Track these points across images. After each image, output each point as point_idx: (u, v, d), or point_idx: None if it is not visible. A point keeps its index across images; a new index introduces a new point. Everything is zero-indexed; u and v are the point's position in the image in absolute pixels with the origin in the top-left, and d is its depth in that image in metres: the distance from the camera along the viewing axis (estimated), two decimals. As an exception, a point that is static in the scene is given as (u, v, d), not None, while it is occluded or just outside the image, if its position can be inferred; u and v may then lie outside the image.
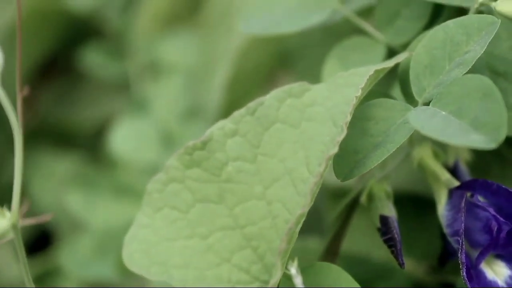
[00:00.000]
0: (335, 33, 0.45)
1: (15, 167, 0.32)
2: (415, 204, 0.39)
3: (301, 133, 0.31)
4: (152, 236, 0.32)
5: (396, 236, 0.31)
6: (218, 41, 0.51)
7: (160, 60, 0.61)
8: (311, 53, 0.46)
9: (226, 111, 0.48)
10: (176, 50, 0.57)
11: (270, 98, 0.32)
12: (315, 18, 0.36)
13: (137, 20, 0.63)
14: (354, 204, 0.34)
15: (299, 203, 0.30)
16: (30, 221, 0.59)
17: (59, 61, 0.68)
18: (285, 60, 0.48)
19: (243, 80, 0.47)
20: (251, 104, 0.32)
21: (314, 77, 0.46)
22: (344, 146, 0.29)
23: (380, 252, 0.43)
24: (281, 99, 0.31)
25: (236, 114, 0.32)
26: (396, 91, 0.33)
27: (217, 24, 0.51)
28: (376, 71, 0.30)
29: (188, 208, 0.32)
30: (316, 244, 0.40)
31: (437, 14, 0.34)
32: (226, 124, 0.32)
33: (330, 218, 0.44)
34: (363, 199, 0.33)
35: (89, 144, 0.67)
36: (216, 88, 0.50)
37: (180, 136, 0.46)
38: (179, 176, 0.32)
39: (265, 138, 0.31)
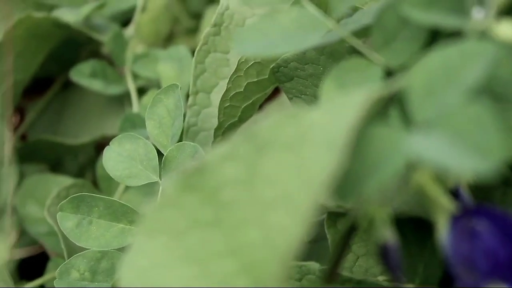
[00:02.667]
0: (329, 50, 0.44)
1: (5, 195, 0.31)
2: (414, 227, 0.39)
3: (299, 157, 0.30)
4: (147, 262, 0.31)
5: (396, 264, 0.30)
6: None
7: (155, 78, 0.61)
8: (303, 71, 0.46)
9: (224, 132, 0.48)
10: (172, 68, 0.57)
11: (268, 121, 0.31)
12: (311, 39, 0.35)
13: (132, 38, 0.63)
14: (353, 228, 0.34)
15: (297, 229, 0.30)
16: (22, 252, 0.58)
17: (52, 79, 0.68)
18: (277, 77, 0.47)
19: (240, 99, 0.47)
20: (248, 128, 0.31)
21: (308, 96, 0.46)
22: (343, 170, 0.29)
23: (380, 275, 0.42)
24: (279, 123, 0.31)
25: (233, 138, 0.31)
26: (393, 112, 0.33)
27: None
28: (375, 96, 0.30)
29: (183, 234, 0.31)
30: (316, 268, 0.40)
31: (435, 35, 0.34)
32: (222, 148, 0.31)
33: (329, 242, 0.43)
34: (363, 223, 0.32)
35: (83, 165, 0.67)
36: (213, 107, 0.50)
37: (174, 157, 0.46)
38: (174, 201, 0.32)
39: (262, 163, 0.31)
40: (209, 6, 0.68)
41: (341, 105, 0.30)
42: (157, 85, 0.61)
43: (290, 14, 0.37)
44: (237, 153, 0.31)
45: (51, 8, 0.65)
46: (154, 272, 0.31)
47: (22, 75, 0.63)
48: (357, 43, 0.36)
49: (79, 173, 0.66)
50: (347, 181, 0.29)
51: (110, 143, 0.48)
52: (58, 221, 0.46)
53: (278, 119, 0.31)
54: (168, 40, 0.70)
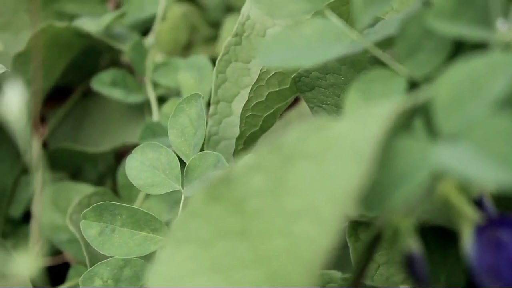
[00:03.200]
0: (350, 60, 0.45)
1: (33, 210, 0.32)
2: (436, 235, 0.39)
3: (325, 168, 0.31)
4: (175, 271, 0.32)
5: (421, 274, 0.30)
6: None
7: (174, 87, 0.61)
8: (324, 81, 0.46)
9: (246, 141, 0.49)
10: (192, 77, 0.57)
11: (294, 133, 0.31)
12: (335, 50, 0.36)
13: (152, 47, 0.63)
14: (377, 238, 0.34)
15: (322, 239, 0.30)
16: (47, 262, 0.58)
17: (72, 87, 0.69)
18: (299, 87, 0.47)
19: (261, 108, 0.47)
20: (275, 139, 0.32)
21: (329, 105, 0.47)
22: (370, 181, 0.29)
23: (401, 283, 0.43)
24: (305, 134, 0.31)
25: (259, 148, 0.32)
26: (417, 124, 0.33)
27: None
28: (401, 108, 0.30)
29: (210, 244, 0.32)
30: (338, 277, 0.40)
31: (459, 47, 0.34)
32: (249, 159, 0.32)
33: (350, 250, 0.43)
34: (387, 233, 0.33)
35: (102, 173, 0.67)
36: (234, 116, 0.50)
37: (197, 166, 0.46)
38: (201, 211, 0.32)
39: (288, 174, 0.31)
40: (227, 15, 0.69)
41: (367, 116, 0.31)
42: (177, 94, 0.62)
43: (313, 25, 0.37)
44: (263, 164, 0.31)
45: (71, 17, 0.66)
46: (182, 281, 0.32)
47: (43, 83, 0.63)
48: (380, 54, 0.36)
49: (99, 181, 0.67)
50: (373, 192, 0.29)
51: (133, 151, 0.49)
52: (81, 229, 0.47)
53: (303, 131, 0.31)
54: (186, 48, 0.71)
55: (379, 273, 0.44)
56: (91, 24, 0.62)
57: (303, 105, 0.58)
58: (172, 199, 0.56)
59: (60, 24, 0.59)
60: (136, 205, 0.57)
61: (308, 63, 0.35)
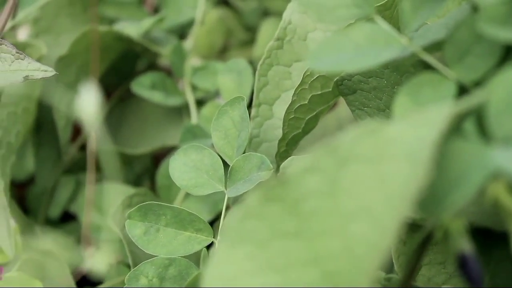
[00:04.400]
0: (393, 64, 0.45)
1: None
2: (480, 236, 0.40)
3: (380, 171, 0.31)
4: (232, 271, 0.33)
5: (476, 275, 0.31)
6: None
7: (213, 90, 0.62)
8: (367, 84, 0.47)
9: (288, 143, 0.49)
10: (232, 81, 0.58)
11: (349, 135, 0.32)
12: (384, 55, 0.36)
13: (191, 49, 0.64)
14: (427, 240, 0.34)
15: (378, 240, 0.31)
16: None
17: (111, 90, 0.70)
18: (341, 90, 0.48)
19: (304, 111, 0.48)
20: (329, 141, 0.32)
21: (371, 108, 0.47)
22: (426, 184, 0.30)
23: (443, 284, 0.43)
24: (360, 137, 0.32)
25: (314, 150, 0.32)
26: (469, 127, 0.33)
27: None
28: (454, 112, 0.31)
29: (266, 244, 0.33)
30: (382, 277, 0.41)
31: (509, 51, 0.35)
32: (304, 160, 0.32)
33: (392, 251, 0.44)
34: (438, 235, 0.33)
35: (139, 174, 0.68)
36: (276, 119, 0.51)
37: (240, 168, 0.47)
38: (257, 212, 0.33)
39: (343, 175, 0.32)
40: (264, 19, 0.69)
41: (421, 120, 0.31)
42: (215, 97, 0.63)
43: (363, 30, 0.38)
44: (318, 166, 0.32)
45: (110, 21, 0.67)
46: (239, 281, 0.32)
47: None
48: (429, 58, 0.37)
49: (136, 182, 0.68)
50: (429, 195, 0.30)
51: (176, 153, 0.50)
52: (126, 228, 0.48)
53: (357, 133, 0.32)
54: (222, 52, 0.72)
55: (421, 274, 0.45)
56: (131, 28, 0.63)
57: (341, 108, 0.59)
58: (211, 200, 0.57)
59: (102, 28, 0.61)
60: (175, 205, 0.58)
61: (358, 68, 0.36)
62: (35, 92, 0.60)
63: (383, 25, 0.38)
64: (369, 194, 0.31)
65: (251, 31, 0.71)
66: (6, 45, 0.48)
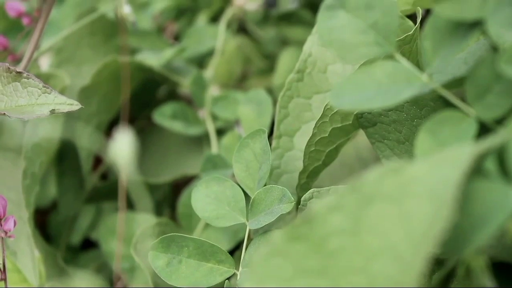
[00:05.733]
0: (413, 98, 0.46)
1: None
2: (505, 272, 0.40)
3: (403, 209, 0.32)
4: (257, 308, 0.33)
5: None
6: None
7: (233, 120, 0.63)
8: (387, 117, 0.47)
9: (308, 175, 0.50)
10: (252, 111, 0.59)
11: (372, 174, 0.33)
12: (406, 93, 0.37)
13: (211, 78, 0.65)
14: (450, 277, 0.35)
15: (402, 278, 0.31)
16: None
17: (131, 119, 0.70)
18: (361, 122, 0.49)
19: (324, 143, 0.49)
20: (353, 180, 0.33)
21: (390, 141, 0.48)
22: (449, 224, 0.30)
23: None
24: (382, 176, 0.33)
25: (338, 189, 0.33)
26: (491, 166, 0.34)
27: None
28: (477, 152, 0.31)
29: (291, 282, 0.33)
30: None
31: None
32: (328, 199, 0.33)
33: None
34: (460, 272, 0.34)
35: (158, 202, 0.69)
36: (296, 150, 0.52)
37: (262, 200, 0.47)
38: (282, 250, 0.33)
39: (367, 214, 0.32)
40: (282, 48, 0.70)
41: (443, 160, 0.32)
42: (234, 126, 0.63)
43: (384, 68, 0.38)
44: (342, 205, 0.33)
45: (131, 51, 0.68)
46: (264, 318, 0.33)
47: (105, 116, 0.65)
48: (449, 95, 0.37)
49: (155, 210, 0.68)
50: (453, 234, 0.31)
51: (198, 184, 0.50)
52: (149, 259, 0.48)
53: (381, 172, 0.33)
54: (241, 80, 0.73)
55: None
56: (153, 58, 0.64)
57: (359, 137, 0.60)
58: (231, 229, 0.58)
59: (123, 59, 0.62)
60: (196, 234, 0.59)
61: (380, 105, 0.37)
62: (58, 123, 0.61)
63: (404, 63, 0.38)
64: (393, 233, 0.32)
65: (270, 59, 0.72)
66: (33, 79, 0.49)
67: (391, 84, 0.38)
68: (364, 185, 0.33)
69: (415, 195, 0.32)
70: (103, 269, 0.66)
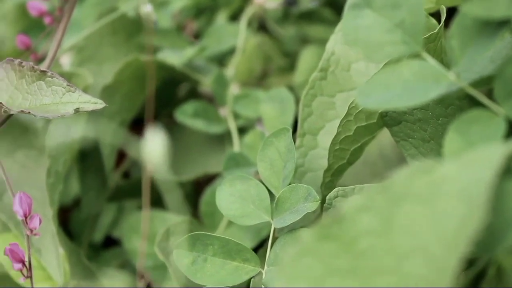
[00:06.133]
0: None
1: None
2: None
3: (434, 210, 0.32)
4: (287, 308, 0.33)
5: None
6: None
7: (254, 118, 0.63)
8: (412, 116, 0.47)
9: (333, 173, 0.50)
10: (274, 109, 0.59)
11: (401, 174, 0.33)
12: (433, 92, 0.37)
13: (231, 77, 0.65)
14: (480, 276, 0.35)
15: (433, 278, 0.31)
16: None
17: (155, 117, 0.71)
18: (385, 121, 0.49)
19: (349, 142, 0.49)
20: (383, 180, 0.33)
21: (415, 140, 0.48)
22: (483, 224, 0.30)
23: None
24: (412, 176, 0.33)
25: (368, 189, 0.33)
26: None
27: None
28: (508, 152, 0.31)
29: (320, 281, 0.33)
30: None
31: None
32: (358, 199, 0.33)
33: None
34: (491, 272, 0.34)
35: (186, 199, 0.69)
36: (320, 149, 0.52)
37: (287, 198, 0.47)
38: (312, 249, 0.33)
39: (397, 214, 0.32)
40: (302, 46, 0.70)
41: (474, 160, 0.32)
42: (256, 124, 0.63)
43: (411, 67, 0.38)
44: (372, 205, 0.33)
45: (152, 50, 0.68)
46: (294, 317, 0.33)
47: (126, 114, 0.66)
48: (477, 94, 0.37)
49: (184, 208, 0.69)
50: (485, 234, 0.31)
51: (222, 183, 0.51)
52: (174, 258, 0.49)
53: (411, 172, 0.33)
54: (261, 78, 0.73)
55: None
56: (174, 57, 0.64)
57: (382, 135, 0.60)
58: (254, 227, 0.58)
59: (145, 58, 0.62)
60: (218, 233, 0.59)
61: (408, 104, 0.37)
62: (81, 121, 0.61)
63: (431, 61, 0.38)
64: (424, 233, 0.32)
65: (290, 57, 0.72)
66: (57, 78, 0.49)
67: (418, 83, 0.38)
68: (394, 185, 0.33)
69: (447, 195, 0.32)
70: (125, 267, 0.66)
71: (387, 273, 0.32)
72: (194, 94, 0.71)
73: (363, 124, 0.48)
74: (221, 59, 0.72)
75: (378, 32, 0.39)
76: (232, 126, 0.63)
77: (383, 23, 0.39)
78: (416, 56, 0.39)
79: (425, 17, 0.39)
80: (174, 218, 0.60)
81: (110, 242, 0.71)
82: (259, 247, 0.57)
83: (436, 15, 0.50)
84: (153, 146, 0.31)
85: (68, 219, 0.70)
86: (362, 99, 0.38)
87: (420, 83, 0.38)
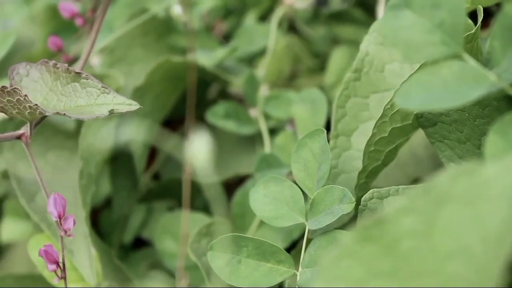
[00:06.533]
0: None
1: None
2: None
3: (477, 211, 0.32)
4: (328, 310, 0.33)
5: None
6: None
7: (285, 119, 0.63)
8: (448, 117, 0.47)
9: (367, 175, 0.50)
10: (305, 110, 0.59)
11: (443, 176, 0.32)
12: (474, 93, 0.37)
13: (261, 78, 0.65)
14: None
15: (477, 281, 0.31)
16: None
17: (182, 118, 0.71)
18: (421, 122, 0.48)
19: (384, 143, 0.48)
20: (425, 182, 0.33)
21: (451, 141, 0.47)
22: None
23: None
24: (454, 178, 0.32)
25: (409, 191, 0.33)
26: None
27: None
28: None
29: (361, 283, 0.33)
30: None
31: None
32: (400, 201, 0.33)
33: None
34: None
35: (209, 201, 0.69)
36: (354, 150, 0.51)
37: (322, 200, 0.47)
38: (352, 252, 0.33)
39: (439, 216, 0.32)
40: (332, 47, 0.70)
41: (518, 161, 0.32)
42: (286, 125, 0.63)
43: (451, 68, 0.38)
44: (414, 206, 0.33)
45: (183, 50, 0.69)
46: (336, 319, 0.33)
47: (157, 115, 0.66)
48: (518, 95, 0.37)
49: (206, 209, 0.69)
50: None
51: (256, 184, 0.50)
52: (208, 259, 0.49)
53: (453, 174, 0.32)
54: (290, 79, 0.73)
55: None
56: (205, 58, 0.64)
57: (414, 135, 0.59)
58: (286, 229, 0.58)
59: (176, 59, 0.62)
60: (250, 234, 0.59)
61: (448, 105, 0.36)
62: (113, 122, 0.61)
63: (472, 62, 0.38)
64: (466, 234, 0.32)
65: (319, 58, 0.72)
66: (91, 80, 0.49)
67: (458, 84, 0.37)
68: (436, 186, 0.32)
69: (490, 197, 0.31)
70: (155, 267, 0.67)
71: (429, 275, 0.32)
72: (223, 95, 0.71)
73: (398, 125, 0.48)
74: (251, 60, 0.72)
75: (417, 33, 0.39)
76: (263, 127, 0.63)
77: (423, 23, 0.39)
78: (455, 57, 0.39)
79: (465, 18, 0.38)
80: (205, 219, 0.60)
81: (139, 243, 0.71)
82: (290, 249, 0.57)
83: (472, 15, 0.49)
84: (198, 148, 0.31)
85: (98, 220, 0.71)
86: (401, 100, 0.38)
87: (460, 84, 0.37)
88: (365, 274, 0.33)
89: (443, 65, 0.38)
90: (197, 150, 0.32)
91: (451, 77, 0.38)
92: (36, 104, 0.49)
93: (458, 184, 0.32)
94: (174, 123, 0.71)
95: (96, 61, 0.70)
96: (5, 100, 0.49)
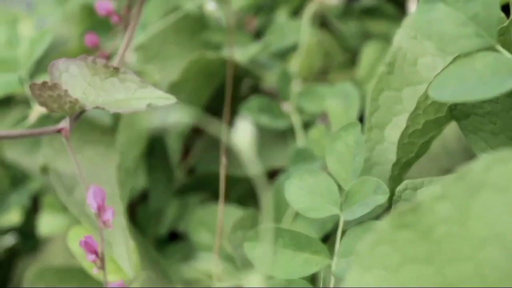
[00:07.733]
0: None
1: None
2: None
3: (510, 198, 0.32)
4: (364, 295, 0.34)
5: None
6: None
7: (318, 113, 0.64)
8: (481, 109, 0.47)
9: (401, 167, 0.50)
10: (339, 104, 0.60)
11: (478, 163, 0.33)
12: (508, 85, 0.37)
13: (294, 73, 0.66)
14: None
15: (509, 267, 0.32)
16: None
17: (216, 113, 0.72)
18: (454, 114, 0.49)
19: (418, 135, 0.49)
20: (460, 169, 0.33)
21: (485, 133, 0.48)
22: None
23: None
24: (489, 165, 0.33)
25: (445, 179, 0.34)
26: None
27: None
28: None
29: (397, 268, 0.34)
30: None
31: None
32: (435, 189, 0.33)
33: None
34: None
35: (242, 194, 0.70)
36: (387, 143, 0.52)
37: (357, 191, 0.48)
38: (388, 238, 0.34)
39: (473, 202, 0.33)
40: (363, 42, 0.71)
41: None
42: (319, 120, 0.64)
43: (485, 59, 0.38)
44: (449, 193, 0.33)
45: (215, 46, 0.70)
46: (372, 304, 0.34)
47: (194, 109, 0.67)
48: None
49: (239, 202, 0.70)
50: None
51: (291, 177, 0.51)
52: (245, 250, 0.50)
53: (488, 162, 0.33)
54: (321, 74, 0.73)
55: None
56: (239, 54, 0.65)
57: (446, 129, 0.60)
58: (320, 220, 0.58)
59: (211, 55, 0.63)
60: (284, 225, 0.60)
61: (482, 97, 0.37)
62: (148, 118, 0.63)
63: (506, 54, 0.39)
64: (500, 221, 0.32)
65: (350, 53, 0.73)
66: (130, 74, 0.51)
67: (492, 76, 0.38)
68: (470, 174, 0.33)
69: (524, 184, 0.32)
70: (188, 260, 0.68)
71: (463, 261, 0.33)
72: (256, 90, 0.72)
73: (432, 118, 0.48)
74: (283, 55, 0.73)
75: (451, 25, 0.39)
76: (297, 121, 0.63)
77: (457, 16, 0.39)
78: (489, 49, 0.39)
79: (499, 11, 0.39)
80: (239, 212, 0.61)
81: (172, 237, 0.72)
82: (324, 241, 0.58)
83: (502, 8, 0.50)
84: (244, 135, 0.32)
85: (134, 213, 0.72)
86: (435, 92, 0.38)
87: (494, 75, 0.38)
88: (401, 259, 0.34)
89: (477, 57, 0.39)
90: (243, 138, 0.32)
91: (485, 69, 0.38)
92: (76, 99, 0.50)
93: (492, 172, 0.33)
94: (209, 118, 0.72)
95: (130, 58, 0.72)
96: (46, 95, 0.50)
